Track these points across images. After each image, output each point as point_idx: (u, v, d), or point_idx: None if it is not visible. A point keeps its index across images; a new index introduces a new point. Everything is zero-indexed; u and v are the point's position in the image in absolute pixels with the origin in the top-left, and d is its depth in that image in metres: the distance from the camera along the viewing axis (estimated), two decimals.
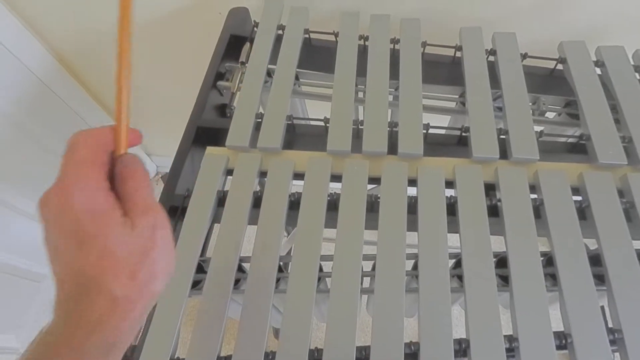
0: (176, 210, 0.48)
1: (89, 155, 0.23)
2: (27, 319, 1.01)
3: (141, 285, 0.23)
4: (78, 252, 0.22)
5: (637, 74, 0.53)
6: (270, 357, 0.37)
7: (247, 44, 0.62)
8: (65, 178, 0.22)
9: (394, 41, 0.58)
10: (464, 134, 0.50)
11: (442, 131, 0.54)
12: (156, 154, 1.43)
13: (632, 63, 0.54)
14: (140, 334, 0.40)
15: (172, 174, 0.51)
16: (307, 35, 0.61)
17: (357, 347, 0.37)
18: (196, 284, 0.45)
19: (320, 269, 0.45)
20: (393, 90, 0.57)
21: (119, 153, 0.25)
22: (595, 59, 0.55)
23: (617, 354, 0.37)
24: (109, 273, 0.22)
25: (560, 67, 0.57)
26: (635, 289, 0.38)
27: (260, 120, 0.51)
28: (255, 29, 0.62)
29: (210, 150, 0.51)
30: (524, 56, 0.56)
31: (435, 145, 0.52)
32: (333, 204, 0.45)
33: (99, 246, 0.22)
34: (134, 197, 0.24)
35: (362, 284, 0.42)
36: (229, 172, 0.49)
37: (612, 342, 0.36)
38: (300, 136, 0.56)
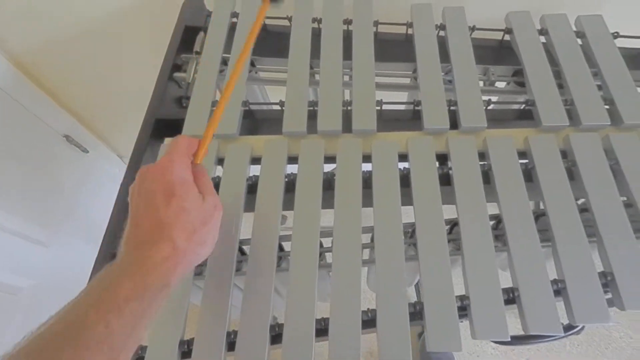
0: None
1: (186, 150, 0.35)
2: (9, 333, 0.99)
3: (193, 244, 0.32)
4: (164, 204, 0.31)
5: (578, 39, 0.55)
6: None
7: (201, 33, 0.61)
8: (169, 157, 0.34)
9: (347, 22, 0.59)
10: (416, 108, 0.51)
11: (401, 107, 0.55)
12: (128, 155, 1.41)
13: (573, 29, 0.56)
14: None
15: (131, 166, 0.51)
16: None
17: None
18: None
19: (281, 249, 0.46)
20: (348, 70, 0.58)
21: (195, 162, 0.36)
22: (539, 28, 0.57)
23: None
24: (178, 226, 0.31)
25: (507, 37, 0.58)
26: (577, 242, 0.40)
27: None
28: (209, 18, 0.62)
29: (168, 141, 0.51)
30: (472, 29, 0.57)
31: (391, 121, 0.54)
32: (291, 185, 0.46)
33: (180, 203, 0.31)
34: (205, 185, 0.35)
35: (324, 259, 0.44)
36: None
37: (557, 293, 0.39)
38: (261, 122, 0.56)
